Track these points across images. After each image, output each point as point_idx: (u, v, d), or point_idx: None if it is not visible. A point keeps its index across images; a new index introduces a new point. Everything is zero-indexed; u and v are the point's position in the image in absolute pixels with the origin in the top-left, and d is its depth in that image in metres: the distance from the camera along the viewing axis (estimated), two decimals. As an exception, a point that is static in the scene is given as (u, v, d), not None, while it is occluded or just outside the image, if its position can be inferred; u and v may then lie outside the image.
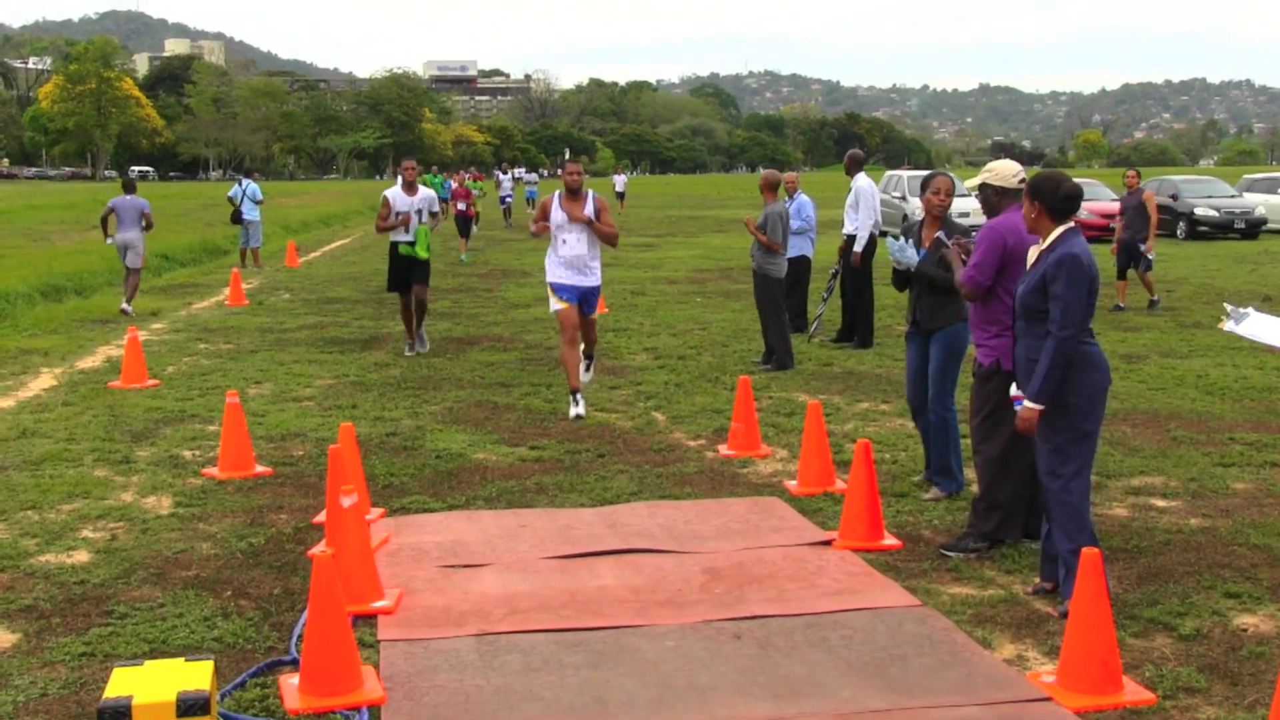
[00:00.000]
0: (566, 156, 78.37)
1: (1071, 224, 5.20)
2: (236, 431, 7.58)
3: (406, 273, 12.27)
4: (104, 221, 16.14)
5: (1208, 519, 6.54)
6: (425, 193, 12.30)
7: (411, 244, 12.12)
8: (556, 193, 9.38)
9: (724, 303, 16.75)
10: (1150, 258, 15.74)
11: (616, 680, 4.55)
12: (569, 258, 9.30)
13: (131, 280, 16.06)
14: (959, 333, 6.78)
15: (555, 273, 9.40)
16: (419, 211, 12.15)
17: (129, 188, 16.52)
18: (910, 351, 7.10)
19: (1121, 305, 15.71)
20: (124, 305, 15.87)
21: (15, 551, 6.06)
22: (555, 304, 9.42)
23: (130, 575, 5.74)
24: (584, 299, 9.45)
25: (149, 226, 16.31)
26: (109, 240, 16.22)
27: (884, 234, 10.04)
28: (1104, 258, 23.58)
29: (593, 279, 9.44)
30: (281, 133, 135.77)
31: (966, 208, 27.84)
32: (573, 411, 9.26)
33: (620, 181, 48.53)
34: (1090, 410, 5.13)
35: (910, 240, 6.96)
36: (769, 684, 4.51)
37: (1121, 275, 15.96)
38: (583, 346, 9.78)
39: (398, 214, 12.04)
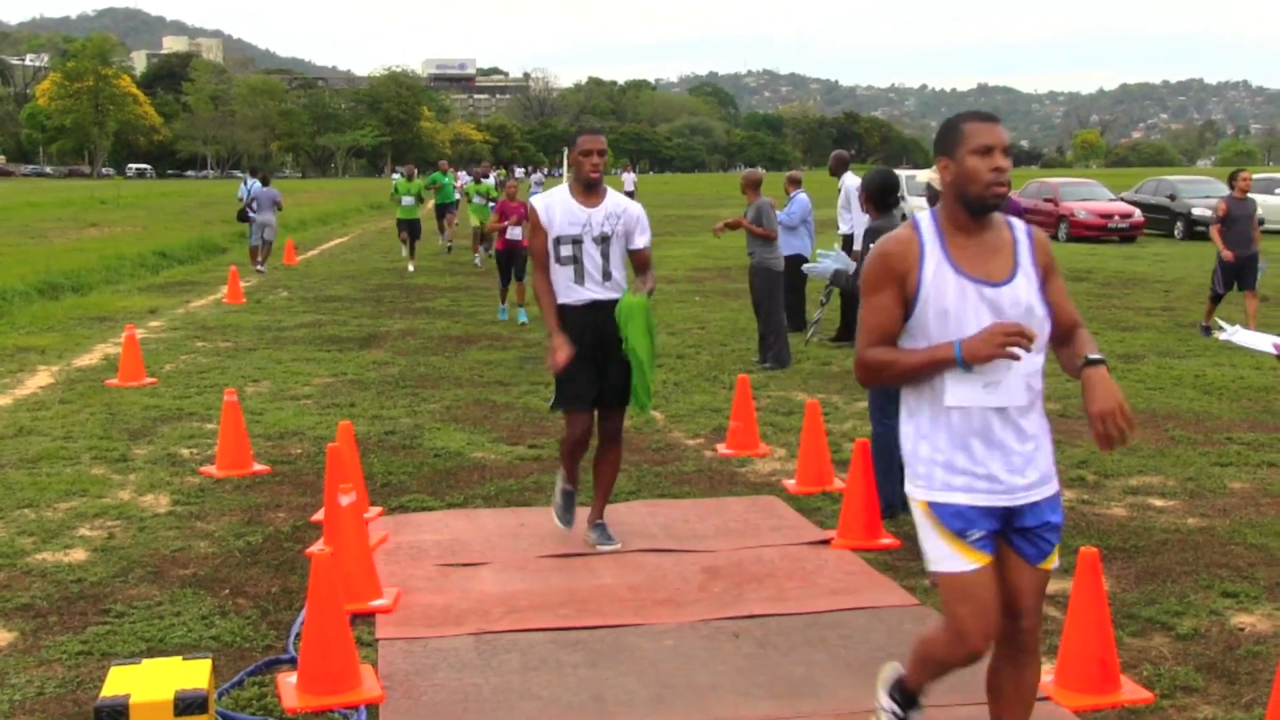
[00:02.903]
0: (564, 154, 77.32)
1: None
2: (234, 430, 7.57)
3: (598, 368, 5.79)
4: (248, 204, 21.39)
5: (1205, 518, 6.55)
6: (620, 204, 5.86)
7: (604, 305, 5.73)
8: (923, 219, 3.29)
9: (722, 301, 16.74)
10: (1260, 275, 13.13)
11: (615, 679, 4.55)
12: (998, 391, 3.20)
13: (265, 250, 21.25)
14: None
15: (957, 452, 3.23)
16: (604, 240, 5.75)
17: (264, 180, 21.77)
18: None
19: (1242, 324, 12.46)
20: (259, 266, 21.00)
21: (12, 550, 6.05)
22: (955, 556, 3.25)
23: (128, 574, 5.73)
24: (1028, 524, 3.30)
25: (280, 208, 21.52)
26: (252, 216, 21.22)
27: None
28: (1112, 259, 23.71)
29: (1046, 472, 3.31)
30: (280, 131, 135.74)
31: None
32: None
33: (630, 180, 47.66)
34: None
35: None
36: (768, 683, 4.51)
37: (1220, 298, 13.14)
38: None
39: (561, 240, 5.72)
